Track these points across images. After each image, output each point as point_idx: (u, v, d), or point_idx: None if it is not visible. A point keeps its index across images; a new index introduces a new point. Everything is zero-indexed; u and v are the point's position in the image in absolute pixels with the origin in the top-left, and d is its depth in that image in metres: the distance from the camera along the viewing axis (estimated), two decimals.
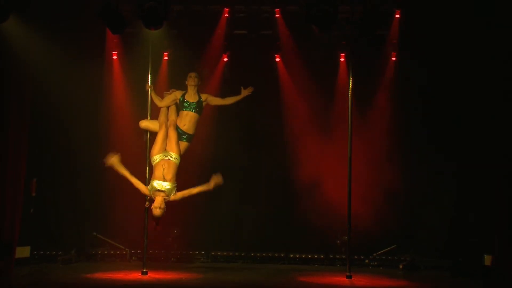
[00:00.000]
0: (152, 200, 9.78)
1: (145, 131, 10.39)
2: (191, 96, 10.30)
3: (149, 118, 10.35)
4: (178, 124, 10.18)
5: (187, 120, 10.23)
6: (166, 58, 11.77)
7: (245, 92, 10.46)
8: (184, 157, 11.12)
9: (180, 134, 10.15)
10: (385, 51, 11.68)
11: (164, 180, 9.71)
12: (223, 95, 11.59)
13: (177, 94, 10.35)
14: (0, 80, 10.09)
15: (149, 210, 9.86)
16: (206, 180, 12.09)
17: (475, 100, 11.12)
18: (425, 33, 11.17)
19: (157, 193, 9.67)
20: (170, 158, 9.85)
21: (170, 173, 9.77)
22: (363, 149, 11.49)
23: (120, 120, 11.91)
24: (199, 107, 10.30)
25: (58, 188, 12.01)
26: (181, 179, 11.22)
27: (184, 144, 10.19)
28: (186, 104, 10.23)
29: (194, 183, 11.87)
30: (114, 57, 11.86)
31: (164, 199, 9.66)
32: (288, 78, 12.07)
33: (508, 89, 9.97)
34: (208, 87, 11.95)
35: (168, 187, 9.70)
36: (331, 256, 11.80)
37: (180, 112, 10.28)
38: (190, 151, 11.53)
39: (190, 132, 10.25)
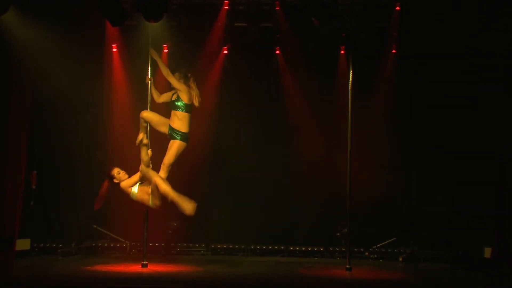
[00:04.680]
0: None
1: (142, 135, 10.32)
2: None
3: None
4: (170, 124, 10.08)
5: (176, 119, 10.08)
6: (166, 50, 11.75)
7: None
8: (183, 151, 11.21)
9: (175, 133, 10.09)
10: (385, 43, 11.66)
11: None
12: (223, 88, 11.81)
13: (169, 94, 10.31)
14: (0, 72, 10.07)
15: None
16: (206, 174, 12.18)
17: (475, 92, 11.13)
18: (425, 25, 11.15)
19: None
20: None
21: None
22: (363, 141, 11.49)
23: (119, 113, 11.90)
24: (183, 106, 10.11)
25: (58, 181, 12.01)
26: (180, 174, 11.28)
27: (182, 144, 10.08)
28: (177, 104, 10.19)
29: (194, 177, 11.96)
30: (114, 50, 11.85)
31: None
32: (288, 71, 12.07)
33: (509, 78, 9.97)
34: (208, 80, 11.99)
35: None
36: (331, 249, 11.82)
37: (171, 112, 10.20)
38: (187, 146, 11.55)
39: (183, 130, 10.09)
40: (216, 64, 12.06)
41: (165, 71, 10.08)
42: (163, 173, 9.97)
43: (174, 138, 10.01)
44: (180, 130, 10.02)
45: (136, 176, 10.00)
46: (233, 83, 12.10)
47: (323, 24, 10.19)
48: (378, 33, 11.22)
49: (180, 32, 11.34)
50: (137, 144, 10.08)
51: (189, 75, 10.22)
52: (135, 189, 9.92)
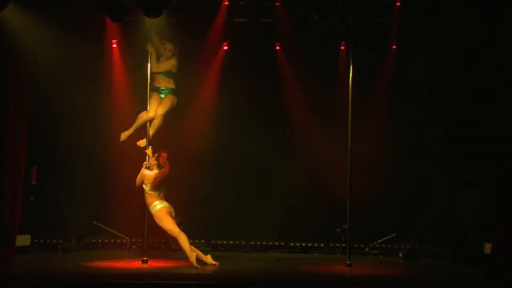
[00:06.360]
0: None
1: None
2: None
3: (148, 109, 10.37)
4: (156, 85, 10.45)
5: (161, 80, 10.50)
6: None
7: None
8: (182, 148, 11.17)
9: (164, 91, 10.47)
10: (385, 39, 11.65)
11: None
12: (223, 83, 11.82)
13: (167, 64, 10.55)
14: (0, 67, 10.06)
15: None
16: (206, 171, 12.16)
17: (476, 87, 11.10)
18: (426, 21, 11.12)
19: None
20: None
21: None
22: (363, 137, 11.50)
23: (119, 108, 11.89)
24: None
25: (58, 177, 12.00)
26: (181, 170, 11.23)
27: (173, 98, 10.47)
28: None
29: (195, 173, 11.95)
30: (114, 45, 11.83)
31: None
32: (288, 66, 12.06)
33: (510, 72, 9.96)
34: (209, 76, 11.98)
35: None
36: (331, 245, 11.82)
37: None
38: (188, 143, 11.55)
39: (172, 86, 10.48)
40: (216, 60, 12.05)
41: (155, 65, 10.36)
42: (157, 122, 10.34)
43: (165, 94, 10.43)
44: (168, 87, 10.45)
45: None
46: (233, 79, 12.09)
47: (324, 20, 10.17)
48: (378, 28, 11.20)
49: (180, 28, 11.32)
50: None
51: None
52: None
